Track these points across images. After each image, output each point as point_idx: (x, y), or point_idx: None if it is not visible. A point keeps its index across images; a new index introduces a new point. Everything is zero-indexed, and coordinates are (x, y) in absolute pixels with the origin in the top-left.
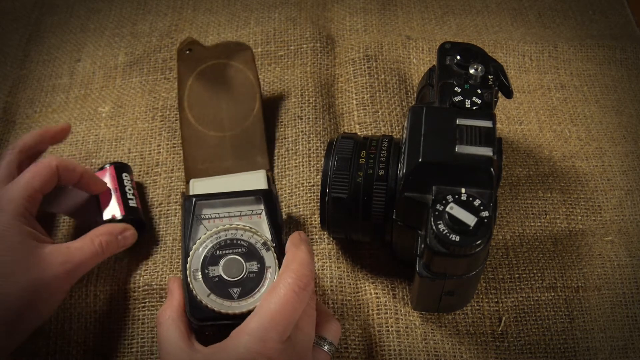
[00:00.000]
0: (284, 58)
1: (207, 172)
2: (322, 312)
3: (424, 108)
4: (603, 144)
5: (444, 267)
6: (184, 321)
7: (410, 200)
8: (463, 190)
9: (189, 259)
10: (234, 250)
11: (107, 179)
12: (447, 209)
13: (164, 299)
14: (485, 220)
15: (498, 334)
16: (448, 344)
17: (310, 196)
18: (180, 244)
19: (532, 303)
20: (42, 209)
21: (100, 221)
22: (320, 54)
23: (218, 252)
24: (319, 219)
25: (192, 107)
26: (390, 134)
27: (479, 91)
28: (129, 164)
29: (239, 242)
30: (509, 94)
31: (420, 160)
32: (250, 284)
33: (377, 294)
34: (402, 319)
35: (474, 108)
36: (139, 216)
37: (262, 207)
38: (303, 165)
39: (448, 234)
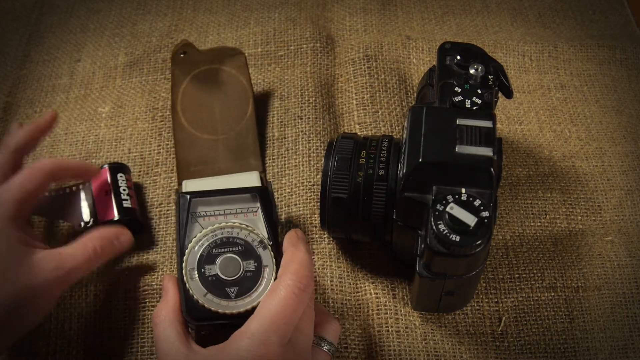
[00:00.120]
0: (284, 58)
1: (200, 174)
2: (321, 312)
3: (424, 108)
4: (603, 144)
5: (444, 267)
6: (181, 321)
7: (410, 200)
8: (463, 190)
9: (184, 257)
10: (231, 249)
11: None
12: (447, 209)
13: None
14: (485, 220)
15: (498, 334)
16: (448, 344)
17: (310, 196)
18: None
19: (532, 303)
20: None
21: (81, 222)
22: (320, 54)
23: (214, 250)
24: (319, 219)
25: (186, 111)
26: (390, 134)
27: (479, 91)
28: (129, 164)
29: (235, 240)
30: (509, 94)
31: (420, 160)
32: (247, 283)
33: (377, 294)
34: (402, 319)
35: (474, 108)
36: (135, 217)
37: (257, 204)
38: (303, 165)
39: (448, 234)
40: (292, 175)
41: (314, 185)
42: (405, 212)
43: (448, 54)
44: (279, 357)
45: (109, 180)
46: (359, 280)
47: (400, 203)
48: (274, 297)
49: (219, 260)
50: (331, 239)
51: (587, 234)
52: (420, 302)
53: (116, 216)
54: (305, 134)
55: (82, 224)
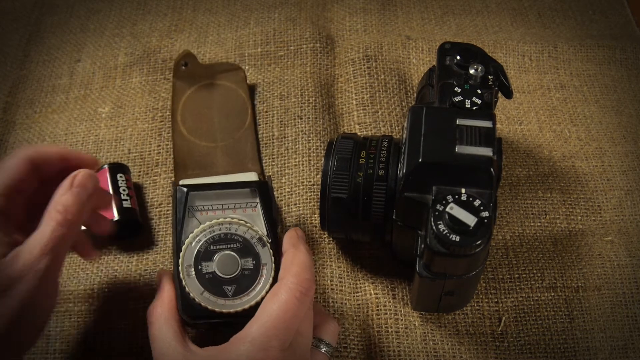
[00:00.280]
0: (284, 58)
1: (197, 177)
2: (319, 313)
3: (424, 108)
4: (603, 144)
5: (444, 267)
6: (177, 319)
7: (410, 200)
8: (463, 190)
9: (181, 253)
10: (229, 246)
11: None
12: (447, 209)
13: None
14: (485, 221)
15: (498, 334)
16: (448, 344)
17: (310, 195)
18: None
19: (532, 303)
20: None
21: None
22: (320, 54)
23: (212, 247)
24: (319, 219)
25: (185, 121)
26: (390, 134)
27: (478, 91)
28: (129, 164)
29: (233, 237)
30: (508, 94)
31: (420, 160)
32: (245, 282)
33: (376, 294)
34: (402, 319)
35: (474, 108)
36: (135, 217)
37: (257, 199)
38: (303, 165)
39: (448, 234)
40: (291, 174)
41: (313, 185)
42: (405, 212)
43: (448, 54)
44: None
45: (108, 180)
46: (359, 280)
47: (400, 203)
48: (275, 300)
49: (216, 258)
50: (331, 239)
51: (587, 234)
52: (420, 302)
53: (116, 216)
54: (305, 133)
55: None
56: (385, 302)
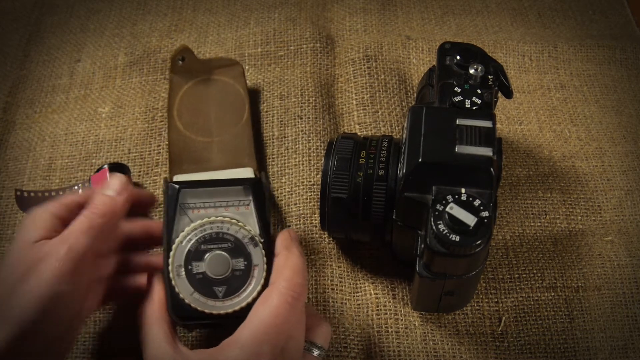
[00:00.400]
0: (284, 58)
1: (192, 172)
2: (312, 315)
3: (424, 108)
4: (603, 144)
5: (444, 267)
6: (167, 320)
7: (410, 200)
8: (463, 190)
9: (171, 253)
10: (220, 245)
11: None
12: (447, 209)
13: None
14: (485, 220)
15: (498, 334)
16: (448, 344)
17: (310, 195)
18: None
19: (532, 303)
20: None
21: None
22: (320, 54)
23: (203, 246)
24: (319, 219)
25: (182, 116)
26: (390, 134)
27: (478, 91)
28: (129, 164)
29: (225, 236)
30: (508, 94)
31: (420, 160)
32: (236, 283)
33: (376, 294)
34: (402, 320)
35: (474, 108)
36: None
37: (250, 197)
38: (303, 165)
39: (448, 234)
40: (291, 174)
41: (313, 185)
42: (405, 212)
43: (448, 54)
44: None
45: (108, 179)
46: (359, 280)
47: (400, 203)
48: (266, 305)
49: (207, 257)
50: (331, 239)
51: (587, 234)
52: (420, 302)
53: None
54: (305, 133)
55: None
56: (385, 302)
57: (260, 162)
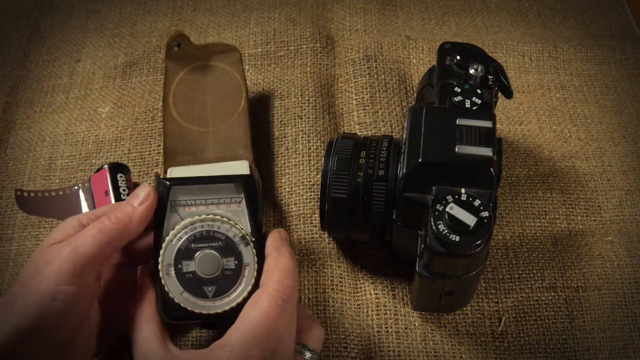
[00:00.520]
0: (284, 58)
1: (187, 164)
2: (305, 317)
3: (424, 108)
4: (603, 144)
5: (444, 267)
6: (157, 319)
7: (410, 200)
8: (463, 190)
9: (161, 251)
10: (210, 244)
11: (103, 180)
12: (447, 209)
13: None
14: (485, 221)
15: (498, 334)
16: (448, 344)
17: (310, 195)
18: None
19: (532, 303)
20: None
21: None
22: (320, 54)
23: (193, 245)
24: (319, 219)
25: (177, 104)
26: (390, 134)
27: (479, 91)
28: (129, 164)
29: (215, 234)
30: (508, 94)
31: (420, 160)
32: (226, 282)
33: (376, 294)
34: (402, 320)
35: (474, 108)
36: None
37: (242, 195)
38: (303, 164)
39: (448, 234)
40: (291, 174)
41: (313, 185)
42: (405, 212)
43: (448, 54)
44: None
45: (108, 180)
46: (359, 280)
47: (400, 203)
48: (256, 308)
49: (197, 256)
50: (331, 239)
51: (587, 234)
52: (420, 302)
53: None
54: (305, 133)
55: None
56: (385, 302)
57: (257, 153)
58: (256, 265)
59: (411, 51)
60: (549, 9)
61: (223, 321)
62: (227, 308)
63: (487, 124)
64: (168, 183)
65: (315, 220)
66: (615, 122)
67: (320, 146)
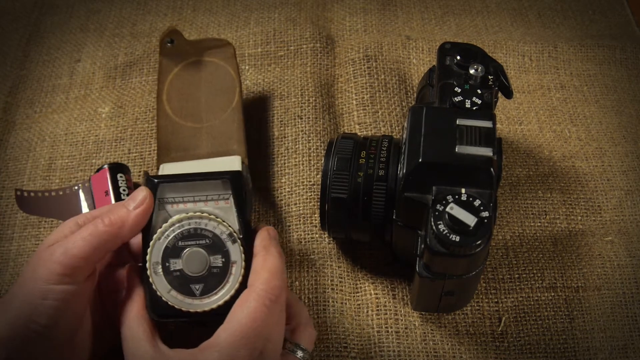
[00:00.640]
0: (284, 58)
1: (180, 160)
2: (300, 315)
3: (424, 108)
4: (603, 144)
5: (444, 267)
6: (147, 318)
7: (410, 200)
8: (463, 190)
9: (149, 249)
10: (198, 242)
11: (103, 180)
12: (447, 209)
13: None
14: (485, 221)
15: (498, 334)
16: (448, 344)
17: (310, 195)
18: None
19: (532, 303)
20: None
21: None
22: (320, 54)
23: (180, 243)
24: (319, 219)
25: (171, 101)
26: (390, 134)
27: (479, 91)
28: (129, 164)
29: (203, 232)
30: (509, 94)
31: (420, 160)
32: (213, 280)
33: (376, 294)
34: (402, 320)
35: (474, 108)
36: None
37: (229, 191)
38: (303, 164)
39: (448, 234)
40: (291, 174)
41: (313, 185)
42: (405, 212)
43: (448, 54)
44: None
45: (108, 180)
46: (359, 281)
47: (400, 203)
48: (243, 308)
49: (184, 254)
50: (331, 239)
51: (587, 234)
52: (420, 302)
53: None
54: (305, 133)
55: None
56: (385, 302)
57: (249, 148)
58: (243, 263)
59: (411, 51)
60: (549, 9)
61: (211, 319)
62: (214, 306)
63: (487, 124)
64: (156, 180)
65: (315, 220)
66: (615, 122)
67: (320, 146)
